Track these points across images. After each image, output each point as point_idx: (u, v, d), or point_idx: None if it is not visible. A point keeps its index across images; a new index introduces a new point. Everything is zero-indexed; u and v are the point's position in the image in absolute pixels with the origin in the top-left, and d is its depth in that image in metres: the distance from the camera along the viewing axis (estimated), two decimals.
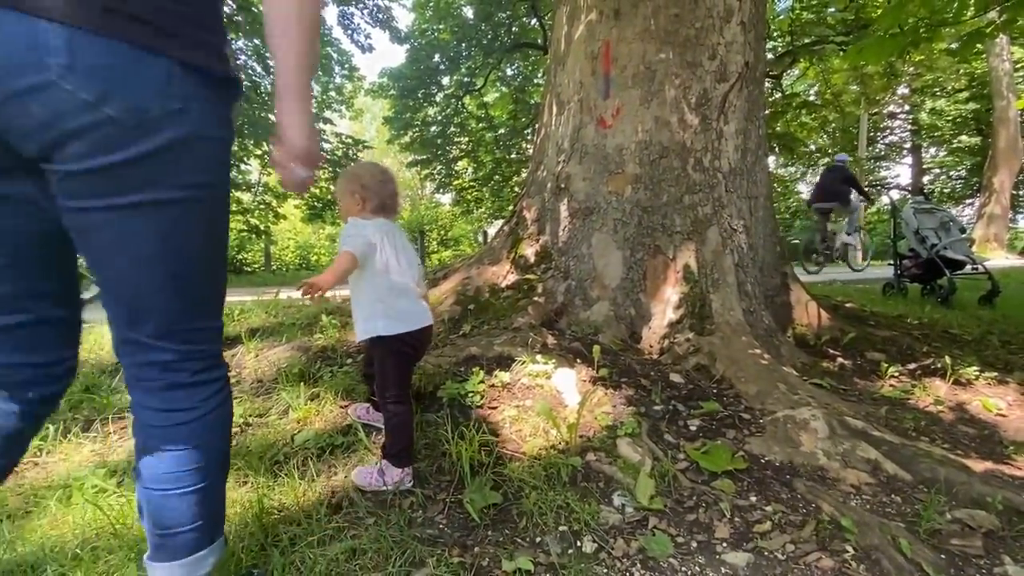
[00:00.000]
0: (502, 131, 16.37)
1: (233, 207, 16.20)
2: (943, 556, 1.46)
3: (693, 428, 2.20)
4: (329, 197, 15.08)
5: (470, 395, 2.27)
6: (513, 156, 16.91)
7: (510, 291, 3.32)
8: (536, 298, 3.23)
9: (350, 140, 15.16)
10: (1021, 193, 21.90)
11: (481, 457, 1.90)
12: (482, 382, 2.36)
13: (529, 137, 15.31)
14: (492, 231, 11.58)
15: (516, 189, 14.28)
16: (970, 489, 1.75)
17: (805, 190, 29.36)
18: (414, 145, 16.38)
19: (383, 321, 1.69)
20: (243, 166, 15.05)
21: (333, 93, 15.72)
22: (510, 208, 4.13)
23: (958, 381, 2.76)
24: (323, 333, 3.04)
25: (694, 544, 1.53)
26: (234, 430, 2.20)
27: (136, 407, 1.05)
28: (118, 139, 0.84)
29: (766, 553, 1.48)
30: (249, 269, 16.80)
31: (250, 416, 2.29)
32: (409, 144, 16.42)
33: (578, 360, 2.65)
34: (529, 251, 3.40)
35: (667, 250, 3.08)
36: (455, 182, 18.17)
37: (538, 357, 2.54)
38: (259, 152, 14.50)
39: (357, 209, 1.74)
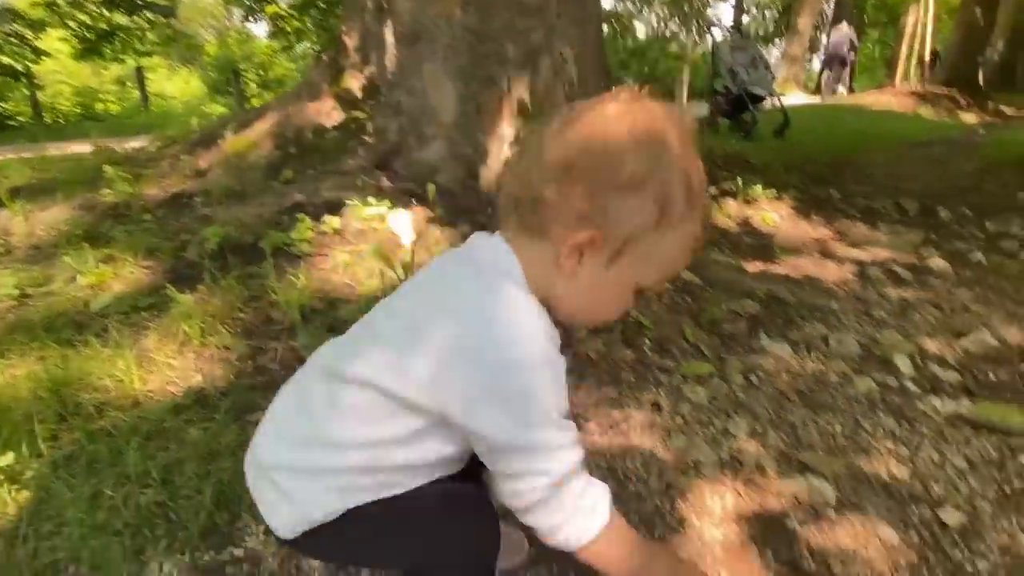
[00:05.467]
0: None
1: None
2: (717, 338, 1.78)
3: None
4: (103, 25, 12.04)
5: (296, 243, 2.13)
6: None
7: (336, 131, 3.03)
8: (366, 138, 3.00)
9: None
10: (819, 35, 24.31)
11: (314, 304, 1.84)
12: (310, 229, 2.21)
13: None
14: None
15: None
16: (743, 285, 2.10)
17: (640, 28, 29.73)
18: None
19: None
20: None
21: None
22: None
23: (746, 200, 3.19)
24: (111, 188, 2.59)
25: None
26: (11, 303, 1.90)
27: None
28: None
29: (580, 353, 1.68)
30: (15, 123, 13.27)
31: (27, 286, 1.95)
32: None
33: (414, 201, 2.58)
34: (354, 84, 3.07)
35: (501, 81, 2.96)
36: (267, 8, 15.40)
37: (371, 200, 2.42)
38: None
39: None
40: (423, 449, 0.67)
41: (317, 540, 0.69)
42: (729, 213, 3.01)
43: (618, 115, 0.63)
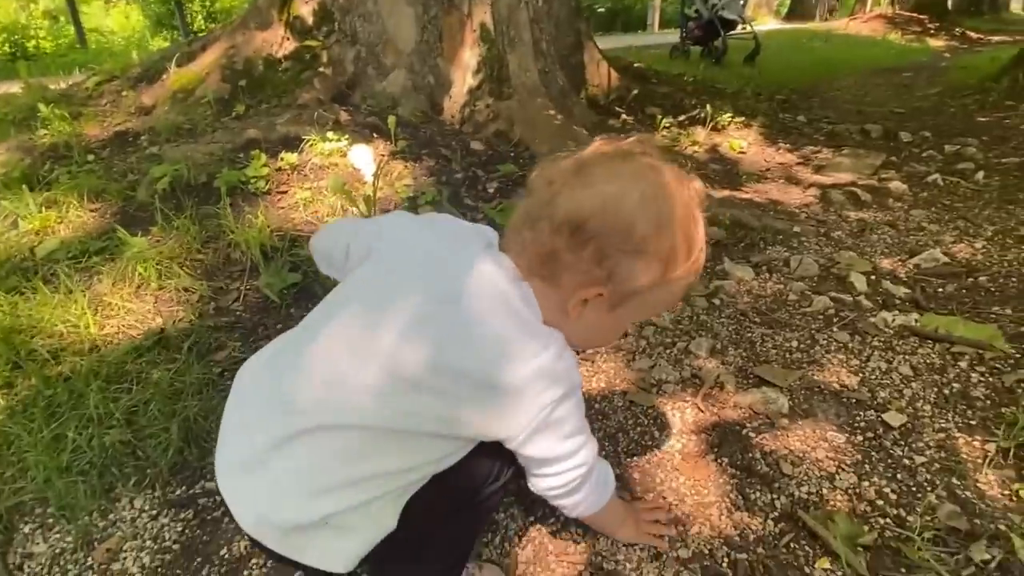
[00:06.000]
0: None
1: None
2: None
3: (491, 190, 2.28)
4: None
5: (252, 181, 2.05)
6: None
7: (289, 62, 2.87)
8: (322, 69, 2.85)
9: None
10: None
11: (274, 242, 1.80)
12: (265, 166, 2.12)
13: None
14: None
15: None
16: (708, 212, 2.11)
17: None
18: None
19: None
20: None
21: None
22: None
23: (715, 127, 3.16)
24: (48, 128, 2.42)
25: None
26: None
27: None
28: None
29: None
30: None
31: None
32: None
33: (375, 135, 2.49)
34: (304, 10, 2.88)
35: (461, 5, 2.82)
36: None
37: (329, 135, 2.33)
38: None
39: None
40: (460, 454, 0.71)
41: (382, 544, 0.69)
42: (697, 140, 2.98)
43: (631, 177, 0.65)
